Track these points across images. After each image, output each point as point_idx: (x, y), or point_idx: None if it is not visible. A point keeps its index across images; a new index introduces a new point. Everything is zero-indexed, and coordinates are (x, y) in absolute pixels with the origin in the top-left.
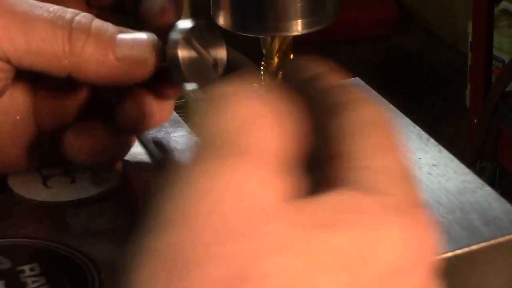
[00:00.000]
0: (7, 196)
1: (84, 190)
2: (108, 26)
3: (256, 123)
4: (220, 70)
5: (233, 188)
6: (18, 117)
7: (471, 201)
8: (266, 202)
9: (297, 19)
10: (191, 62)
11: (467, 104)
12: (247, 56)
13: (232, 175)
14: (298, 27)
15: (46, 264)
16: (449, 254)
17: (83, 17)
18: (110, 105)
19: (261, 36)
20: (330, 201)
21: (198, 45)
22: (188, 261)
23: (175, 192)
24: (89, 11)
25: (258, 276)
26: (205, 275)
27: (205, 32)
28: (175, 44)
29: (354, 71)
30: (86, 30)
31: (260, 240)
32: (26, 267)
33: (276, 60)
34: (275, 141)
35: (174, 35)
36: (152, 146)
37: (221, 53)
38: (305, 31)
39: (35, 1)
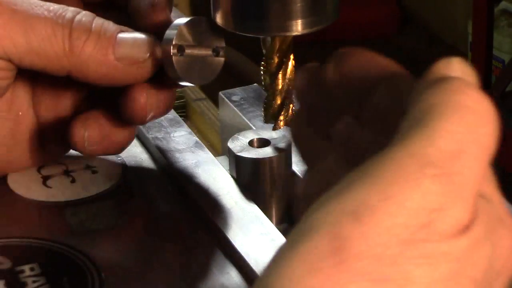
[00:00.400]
0: (7, 196)
1: (84, 190)
2: (109, 25)
3: None
4: (222, 56)
5: None
6: (20, 113)
7: None
8: None
9: (297, 19)
10: (185, 59)
11: None
12: (247, 56)
13: None
14: (298, 27)
15: (46, 264)
16: None
17: (84, 15)
18: (110, 96)
19: (261, 36)
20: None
21: (194, 42)
22: None
23: None
24: (83, 8)
25: None
26: None
27: (203, 28)
28: (169, 41)
29: None
30: (86, 29)
31: None
32: (26, 267)
33: (276, 60)
34: None
35: (169, 32)
36: (152, 146)
37: (219, 40)
38: (305, 31)
39: (36, 0)
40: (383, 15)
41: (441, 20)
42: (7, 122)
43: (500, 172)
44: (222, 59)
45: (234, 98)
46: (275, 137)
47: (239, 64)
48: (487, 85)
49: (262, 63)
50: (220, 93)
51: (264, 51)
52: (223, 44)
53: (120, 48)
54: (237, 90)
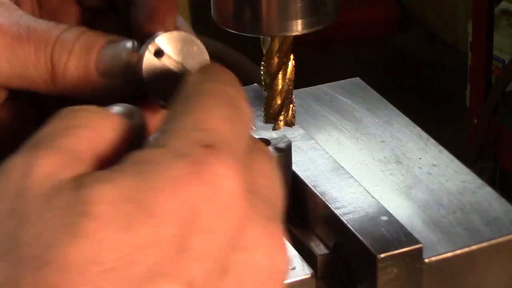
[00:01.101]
0: None
1: None
2: (95, 39)
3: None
4: None
5: None
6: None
7: (471, 201)
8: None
9: (297, 19)
10: (159, 75)
11: (467, 104)
12: (247, 56)
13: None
14: (298, 27)
15: None
16: (449, 254)
17: (70, 32)
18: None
19: (261, 36)
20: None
21: (172, 59)
22: None
23: None
24: (83, 15)
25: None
26: None
27: (185, 45)
28: (141, 54)
29: (354, 71)
30: (68, 47)
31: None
32: None
33: (276, 60)
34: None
35: (144, 46)
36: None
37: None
38: (305, 31)
39: (28, 19)
40: (383, 15)
41: (441, 20)
42: (3, 135)
43: (500, 172)
44: None
45: None
46: (275, 137)
47: (239, 64)
48: (487, 85)
49: (262, 63)
50: None
51: (264, 51)
52: (207, 60)
53: (102, 63)
54: None
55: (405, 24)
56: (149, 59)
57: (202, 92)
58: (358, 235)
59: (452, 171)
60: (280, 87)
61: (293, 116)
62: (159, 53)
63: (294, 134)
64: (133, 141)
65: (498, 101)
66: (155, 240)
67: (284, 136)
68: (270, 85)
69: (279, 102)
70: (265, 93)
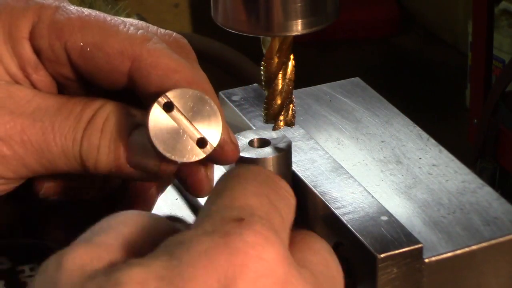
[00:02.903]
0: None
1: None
2: (121, 128)
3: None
4: (208, 149)
5: None
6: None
7: (471, 201)
8: None
9: (297, 19)
10: (167, 132)
11: (467, 104)
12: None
13: None
14: (298, 27)
15: None
16: (449, 254)
17: (94, 126)
18: None
19: (261, 36)
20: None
21: (181, 116)
22: None
23: None
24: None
25: None
26: None
27: (198, 104)
28: (149, 108)
29: (354, 71)
30: (95, 142)
31: None
32: (26, 267)
33: (276, 60)
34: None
35: (154, 98)
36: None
37: (214, 133)
38: (305, 31)
39: (57, 114)
40: (383, 15)
41: (441, 20)
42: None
43: (500, 172)
44: (203, 155)
45: (234, 98)
46: (275, 137)
47: (239, 64)
48: (487, 85)
49: (262, 63)
50: (220, 93)
51: (264, 51)
52: (215, 140)
53: (133, 157)
54: (237, 90)
55: (405, 25)
56: (157, 112)
57: (237, 174)
58: (358, 235)
59: (452, 171)
60: (280, 87)
61: (293, 116)
62: (168, 106)
63: (294, 134)
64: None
65: (498, 101)
66: None
67: (284, 136)
68: (270, 85)
69: (279, 102)
70: (265, 93)
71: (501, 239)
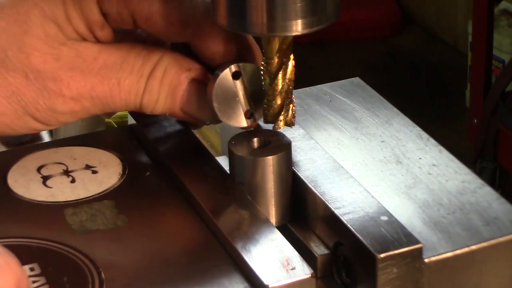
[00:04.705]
0: (7, 196)
1: (84, 190)
2: (178, 79)
3: None
4: (252, 121)
5: None
6: None
7: (471, 201)
8: None
9: (297, 19)
10: (226, 95)
11: (467, 104)
12: None
13: None
14: (298, 27)
15: (46, 264)
16: (449, 254)
17: (154, 80)
18: None
19: (261, 36)
20: None
21: (242, 87)
22: None
23: None
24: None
25: None
26: None
27: (258, 82)
28: (217, 74)
29: (354, 71)
30: (154, 96)
31: None
32: (26, 267)
33: (276, 60)
34: None
35: (224, 65)
36: (152, 146)
37: (260, 110)
38: (305, 31)
39: (114, 66)
40: (383, 15)
41: (441, 20)
42: None
43: (500, 172)
44: (245, 124)
45: None
46: (275, 137)
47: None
48: (487, 85)
49: (262, 63)
50: None
51: (264, 51)
52: (260, 116)
53: (186, 106)
54: None
55: (405, 25)
56: (226, 76)
57: None
58: (358, 235)
59: (452, 171)
60: (280, 87)
61: (293, 116)
62: (236, 75)
63: (294, 134)
64: None
65: (498, 101)
66: None
67: (284, 136)
68: (270, 85)
69: (279, 102)
70: (265, 93)
71: (501, 239)
